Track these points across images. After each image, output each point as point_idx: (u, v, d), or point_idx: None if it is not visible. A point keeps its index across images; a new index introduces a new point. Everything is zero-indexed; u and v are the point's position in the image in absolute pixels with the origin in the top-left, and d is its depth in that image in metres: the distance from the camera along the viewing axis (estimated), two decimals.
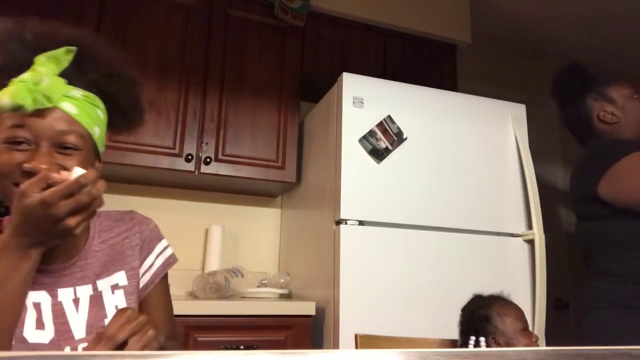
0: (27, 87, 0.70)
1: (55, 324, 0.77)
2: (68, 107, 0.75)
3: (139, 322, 0.69)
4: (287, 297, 2.08)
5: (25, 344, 0.74)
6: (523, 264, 1.85)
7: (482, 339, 1.13)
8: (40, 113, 0.72)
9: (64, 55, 0.74)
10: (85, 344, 0.79)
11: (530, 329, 1.72)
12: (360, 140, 1.76)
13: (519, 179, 1.93)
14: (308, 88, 2.29)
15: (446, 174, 1.84)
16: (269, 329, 1.70)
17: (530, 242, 1.85)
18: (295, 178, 2.13)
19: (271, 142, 2.12)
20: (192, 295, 1.97)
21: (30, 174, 0.71)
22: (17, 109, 0.70)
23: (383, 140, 1.78)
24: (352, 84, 1.81)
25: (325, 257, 1.76)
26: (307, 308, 1.73)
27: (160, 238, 0.97)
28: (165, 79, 1.99)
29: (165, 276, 0.97)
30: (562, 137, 3.11)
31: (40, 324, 0.76)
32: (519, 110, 2.01)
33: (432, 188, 1.81)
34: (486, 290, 1.24)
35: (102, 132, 0.82)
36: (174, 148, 1.97)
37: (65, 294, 0.80)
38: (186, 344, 1.58)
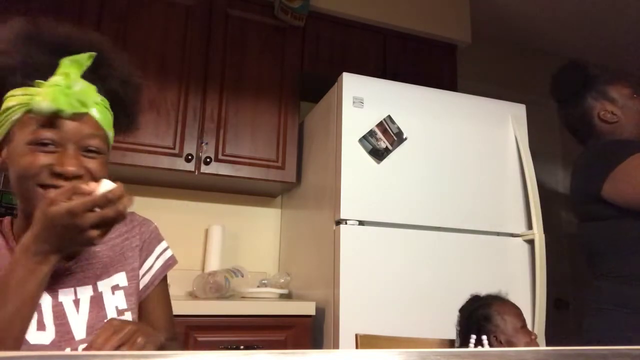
0: (62, 91, 0.72)
1: (55, 324, 0.77)
2: (94, 112, 0.78)
3: (127, 332, 0.69)
4: (287, 297, 2.08)
5: (26, 345, 0.74)
6: (523, 264, 1.85)
7: (484, 337, 1.13)
8: (70, 116, 0.75)
9: (86, 60, 0.75)
10: (85, 345, 0.79)
11: (530, 329, 1.73)
12: (360, 140, 1.76)
13: (519, 179, 1.93)
14: (308, 88, 2.29)
15: (446, 174, 1.84)
16: (269, 329, 1.69)
17: (530, 242, 1.85)
18: (295, 178, 2.13)
19: (271, 142, 2.12)
20: (192, 295, 1.97)
21: (59, 175, 0.73)
22: (56, 113, 0.73)
23: (383, 140, 1.78)
24: (352, 84, 1.81)
25: (325, 257, 1.76)
26: (307, 308, 1.73)
27: (160, 239, 0.97)
28: (165, 79, 1.99)
29: (165, 277, 0.97)
30: (562, 137, 3.11)
31: (41, 325, 0.76)
32: (519, 110, 2.01)
33: (432, 188, 1.81)
34: (486, 290, 1.25)
35: (112, 135, 0.85)
36: (174, 148, 1.97)
37: (65, 295, 0.80)
38: (186, 344, 1.58)
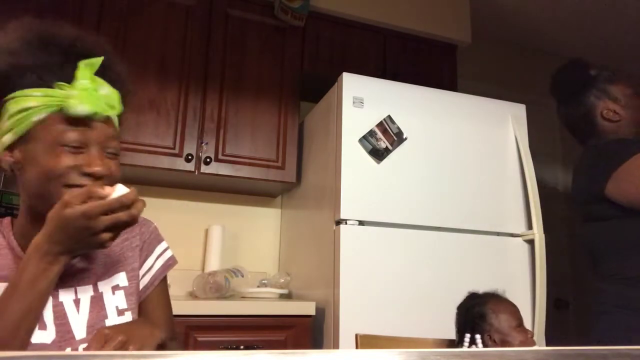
0: (93, 94, 0.75)
1: (56, 324, 0.78)
2: (114, 115, 0.81)
3: (118, 342, 0.69)
4: (287, 297, 2.08)
5: (28, 345, 0.74)
6: (523, 264, 1.85)
7: (477, 336, 1.12)
8: (99, 119, 0.77)
9: (98, 63, 0.78)
10: (86, 345, 0.79)
11: (530, 329, 1.72)
12: (360, 140, 1.76)
13: (519, 179, 1.93)
14: (308, 88, 2.29)
15: (446, 174, 1.84)
16: (269, 329, 1.69)
17: (530, 242, 1.85)
18: (295, 178, 2.13)
19: (271, 142, 2.12)
20: (192, 295, 1.97)
21: (88, 175, 0.76)
22: (92, 116, 0.75)
23: (383, 140, 1.78)
24: (352, 84, 1.81)
25: (325, 257, 1.76)
26: (307, 308, 1.73)
27: (160, 240, 0.97)
28: (165, 79, 1.99)
29: (165, 278, 0.97)
30: (562, 137, 3.11)
31: (42, 325, 0.76)
32: (519, 110, 2.01)
33: (432, 188, 1.81)
34: (485, 290, 1.24)
35: None
36: (174, 148, 1.97)
37: (66, 295, 0.80)
38: (186, 344, 1.58)
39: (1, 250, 0.79)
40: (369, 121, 1.78)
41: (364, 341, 1.21)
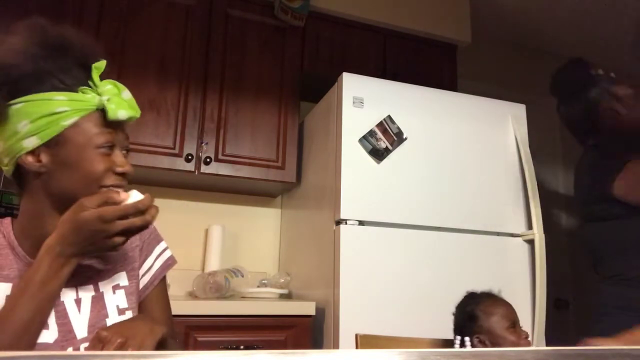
0: (123, 99, 0.78)
1: (58, 324, 0.78)
2: None
3: (117, 345, 0.70)
4: (287, 297, 2.08)
5: (35, 345, 0.75)
6: (523, 264, 1.85)
7: (467, 338, 1.10)
8: (127, 121, 0.81)
9: (104, 66, 0.80)
10: (86, 344, 0.80)
11: (530, 329, 1.72)
12: (360, 140, 1.76)
13: (519, 179, 1.93)
14: (308, 88, 2.29)
15: (446, 174, 1.84)
16: (269, 329, 1.69)
17: (530, 242, 1.85)
18: (295, 178, 2.13)
19: (271, 142, 2.12)
20: (192, 295, 1.97)
21: (120, 175, 0.80)
22: (126, 120, 0.78)
23: (383, 140, 1.78)
24: (352, 84, 1.81)
25: (325, 257, 1.76)
26: (307, 308, 1.73)
27: (159, 240, 0.98)
28: (165, 79, 1.99)
29: (164, 278, 0.97)
30: (562, 137, 3.10)
31: (45, 324, 0.77)
32: (519, 110, 2.01)
33: (432, 188, 1.81)
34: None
35: None
36: (174, 148, 1.97)
37: (67, 294, 0.80)
38: (186, 344, 1.58)
39: (2, 250, 0.79)
40: (369, 121, 1.78)
41: (364, 341, 1.21)
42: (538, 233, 1.81)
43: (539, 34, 3.09)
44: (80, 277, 0.82)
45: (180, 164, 1.96)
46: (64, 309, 0.79)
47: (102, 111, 0.78)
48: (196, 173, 1.99)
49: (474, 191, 1.86)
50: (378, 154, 1.76)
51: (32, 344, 0.72)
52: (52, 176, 0.77)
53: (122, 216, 0.72)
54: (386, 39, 2.43)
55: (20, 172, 0.79)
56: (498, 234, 1.86)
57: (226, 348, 1.63)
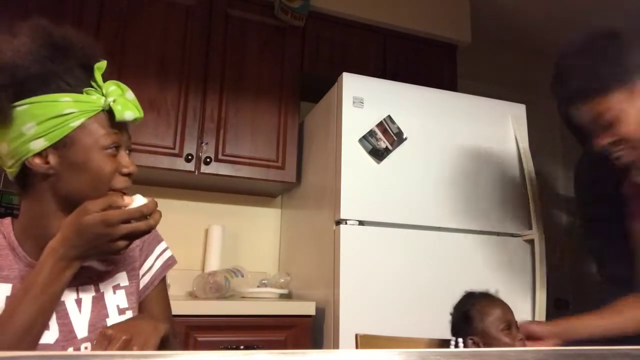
0: (128, 100, 0.79)
1: (59, 324, 0.78)
2: None
3: (122, 342, 0.70)
4: (287, 297, 2.08)
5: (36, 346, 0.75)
6: (523, 264, 1.85)
7: (459, 340, 1.08)
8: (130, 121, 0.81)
9: (104, 66, 0.80)
10: (87, 344, 0.80)
11: None
12: (360, 140, 1.76)
13: (519, 179, 1.93)
14: (308, 88, 2.29)
15: (446, 174, 1.84)
16: (269, 329, 1.70)
17: (530, 242, 1.85)
18: (295, 178, 2.13)
19: (271, 142, 2.12)
20: (192, 295, 1.97)
21: (126, 175, 0.81)
22: (132, 121, 0.79)
23: (383, 140, 1.78)
24: (352, 84, 1.81)
25: (325, 257, 1.76)
26: (307, 308, 1.73)
27: (159, 240, 0.98)
28: (165, 79, 1.99)
29: (164, 278, 0.97)
30: (562, 137, 3.11)
31: (46, 326, 0.77)
32: (519, 110, 2.01)
33: (432, 188, 1.81)
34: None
35: None
36: (174, 148, 1.97)
37: (68, 295, 0.80)
38: (186, 344, 1.58)
39: (2, 251, 0.79)
40: (369, 121, 1.78)
41: (364, 341, 1.21)
42: (538, 233, 1.82)
43: (539, 34, 3.09)
44: (80, 278, 0.82)
45: (180, 164, 1.96)
46: (65, 309, 0.80)
47: (107, 112, 0.78)
48: (196, 173, 1.99)
49: (474, 191, 1.86)
50: (378, 154, 1.76)
51: (33, 346, 0.73)
52: (60, 178, 0.77)
53: (126, 220, 0.72)
54: (386, 39, 2.43)
55: (24, 174, 0.78)
56: (498, 234, 1.86)
57: (226, 348, 1.63)
